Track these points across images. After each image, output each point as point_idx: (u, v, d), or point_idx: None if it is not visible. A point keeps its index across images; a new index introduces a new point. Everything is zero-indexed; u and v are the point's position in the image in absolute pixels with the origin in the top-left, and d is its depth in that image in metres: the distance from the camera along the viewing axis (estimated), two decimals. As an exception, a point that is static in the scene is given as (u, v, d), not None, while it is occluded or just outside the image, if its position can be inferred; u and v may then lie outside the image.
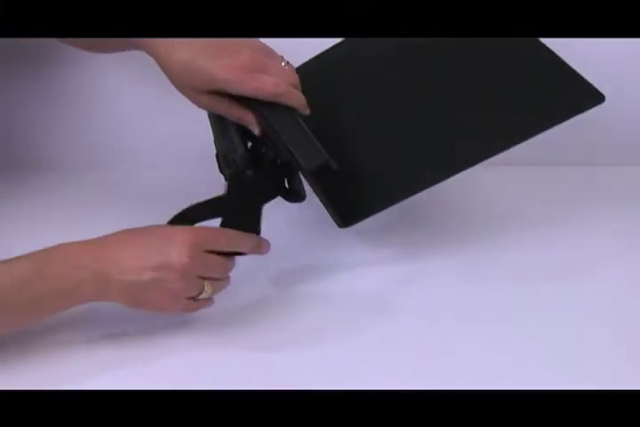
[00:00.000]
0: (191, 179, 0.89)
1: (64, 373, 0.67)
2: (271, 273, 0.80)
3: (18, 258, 0.64)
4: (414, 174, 0.77)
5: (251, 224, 0.72)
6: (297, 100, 0.69)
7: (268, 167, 0.72)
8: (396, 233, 0.87)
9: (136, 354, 0.69)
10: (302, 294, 0.78)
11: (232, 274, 0.71)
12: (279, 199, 0.74)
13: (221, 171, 0.74)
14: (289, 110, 0.69)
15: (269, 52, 0.70)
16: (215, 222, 0.72)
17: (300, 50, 0.82)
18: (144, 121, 1.00)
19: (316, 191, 0.80)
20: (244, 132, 0.72)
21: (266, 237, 0.72)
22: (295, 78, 0.70)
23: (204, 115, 0.73)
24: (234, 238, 0.70)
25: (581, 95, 0.75)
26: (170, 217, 0.71)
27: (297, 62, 0.82)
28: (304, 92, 0.70)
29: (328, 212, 0.79)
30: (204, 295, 0.68)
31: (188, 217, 0.71)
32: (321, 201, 0.80)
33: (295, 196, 0.74)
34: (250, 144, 0.73)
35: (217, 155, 0.74)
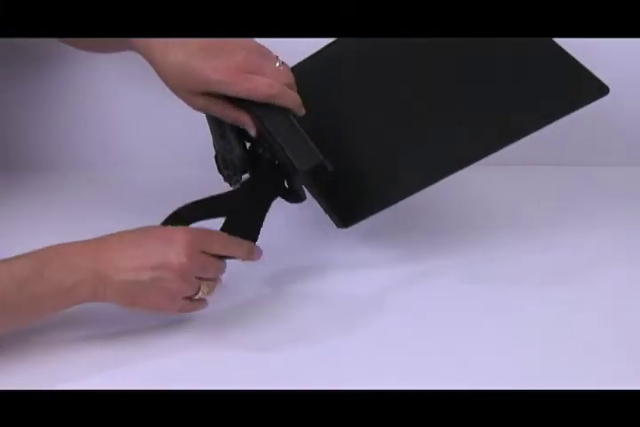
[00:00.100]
0: (189, 179, 0.89)
1: (59, 372, 0.67)
2: (270, 273, 0.80)
3: (17, 257, 0.64)
4: (413, 174, 0.77)
5: (251, 231, 0.72)
6: (292, 100, 0.69)
7: (267, 168, 0.72)
8: (395, 233, 0.87)
9: (131, 353, 0.69)
10: (300, 293, 0.78)
11: (230, 273, 0.71)
12: (279, 199, 0.74)
13: (220, 172, 0.74)
14: (283, 111, 0.69)
15: (264, 53, 0.70)
16: (214, 223, 0.72)
17: (297, 49, 0.82)
18: (143, 121, 1.00)
19: (312, 193, 0.80)
20: (242, 133, 0.72)
21: (265, 237, 0.72)
22: (290, 78, 0.70)
23: (202, 116, 0.73)
24: (230, 243, 0.71)
25: (585, 88, 0.74)
26: (168, 217, 0.71)
27: (293, 62, 0.81)
28: (299, 91, 0.70)
29: (326, 212, 0.79)
30: (200, 295, 0.68)
31: (183, 215, 0.71)
32: (318, 202, 0.80)
33: (295, 196, 0.74)
34: (248, 145, 0.73)
35: (216, 156, 0.74)
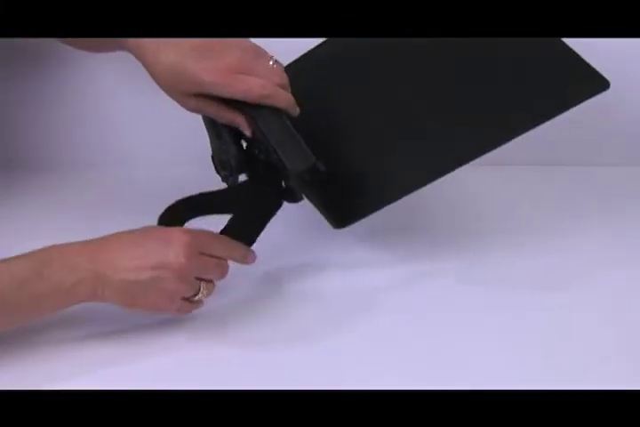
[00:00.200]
0: (189, 179, 0.88)
1: (56, 371, 0.67)
2: (268, 272, 0.80)
3: (17, 257, 0.65)
4: (407, 174, 0.76)
5: (249, 235, 0.73)
6: (285, 101, 0.68)
7: (263, 169, 0.72)
8: (393, 233, 0.87)
9: (130, 353, 0.69)
10: (298, 293, 0.78)
11: (228, 272, 0.71)
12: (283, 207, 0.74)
13: (218, 172, 0.74)
14: (276, 112, 0.68)
15: (259, 52, 0.69)
16: (213, 224, 0.72)
17: (293, 49, 0.82)
18: (143, 121, 1.00)
19: (306, 193, 0.79)
20: (238, 134, 0.71)
21: (264, 237, 0.73)
22: (283, 78, 0.69)
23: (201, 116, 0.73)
24: (228, 245, 0.71)
25: (585, 83, 0.74)
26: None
27: (288, 61, 0.81)
28: (293, 91, 0.70)
29: (321, 213, 0.79)
30: (199, 296, 0.69)
31: (179, 210, 0.71)
32: (312, 203, 0.80)
33: (292, 195, 0.74)
34: (245, 145, 0.73)
35: (213, 156, 0.74)
